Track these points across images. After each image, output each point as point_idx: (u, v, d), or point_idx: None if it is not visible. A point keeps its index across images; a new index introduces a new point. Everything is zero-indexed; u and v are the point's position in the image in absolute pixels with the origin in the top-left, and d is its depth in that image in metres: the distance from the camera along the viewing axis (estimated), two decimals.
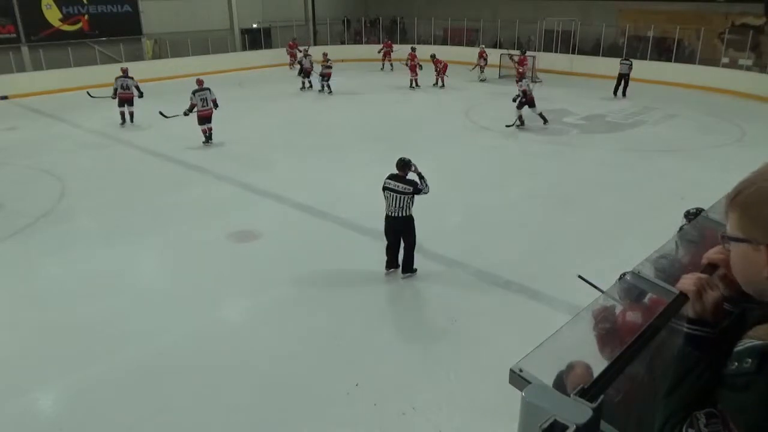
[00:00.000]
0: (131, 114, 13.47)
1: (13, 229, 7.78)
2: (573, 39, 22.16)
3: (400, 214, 6.10)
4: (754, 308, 1.01)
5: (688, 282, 1.12)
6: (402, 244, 6.30)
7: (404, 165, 6.10)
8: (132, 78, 13.28)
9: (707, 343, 1.07)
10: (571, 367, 1.59)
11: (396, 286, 6.26)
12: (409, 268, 6.34)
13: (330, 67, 17.28)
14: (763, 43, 18.32)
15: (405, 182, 6.06)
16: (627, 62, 16.96)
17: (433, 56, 18.71)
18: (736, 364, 0.96)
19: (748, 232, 0.99)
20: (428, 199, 8.82)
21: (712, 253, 1.15)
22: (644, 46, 20.10)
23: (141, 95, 13.40)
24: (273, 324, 5.61)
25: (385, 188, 6.14)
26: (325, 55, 17.81)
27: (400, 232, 6.24)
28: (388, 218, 6.22)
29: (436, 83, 18.79)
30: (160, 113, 12.24)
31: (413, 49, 19.00)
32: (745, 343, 0.97)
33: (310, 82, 18.40)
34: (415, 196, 6.09)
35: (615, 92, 17.23)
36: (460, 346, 5.15)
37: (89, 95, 13.35)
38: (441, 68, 18.45)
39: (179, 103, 12.46)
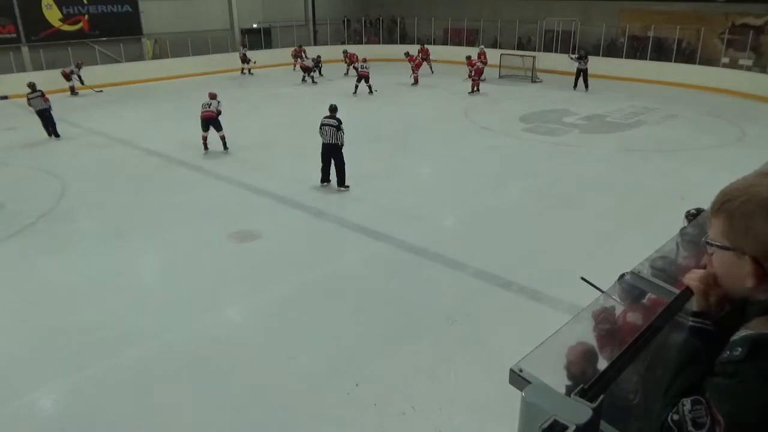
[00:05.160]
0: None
1: (13, 229, 7.78)
2: (573, 39, 22.16)
3: (332, 141, 8.84)
4: (755, 302, 1.03)
5: (694, 278, 1.13)
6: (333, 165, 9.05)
7: (335, 108, 9.11)
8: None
9: (710, 336, 1.09)
10: (575, 345, 1.59)
11: (396, 286, 6.26)
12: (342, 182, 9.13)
13: (366, 68, 17.58)
14: (763, 43, 18.31)
15: (335, 119, 8.94)
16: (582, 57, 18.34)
17: (406, 54, 19.76)
18: (728, 352, 0.99)
19: (734, 241, 1.00)
20: (428, 198, 8.88)
21: (689, 279, 1.16)
22: (644, 46, 20.10)
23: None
24: (273, 324, 5.61)
25: (322, 125, 8.93)
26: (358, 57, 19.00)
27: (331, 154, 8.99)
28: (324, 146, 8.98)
29: (415, 82, 19.26)
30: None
31: (407, 54, 20.11)
32: (740, 333, 1.00)
33: (311, 78, 20.03)
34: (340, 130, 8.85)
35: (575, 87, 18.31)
36: (460, 346, 5.15)
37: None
38: (414, 66, 19.31)
39: (179, 102, 12.51)
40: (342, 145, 8.93)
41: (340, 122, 8.92)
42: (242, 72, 21.81)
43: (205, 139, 11.35)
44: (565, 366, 1.48)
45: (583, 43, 21.86)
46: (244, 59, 21.66)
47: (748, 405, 0.91)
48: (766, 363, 0.93)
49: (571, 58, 18.57)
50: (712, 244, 1.05)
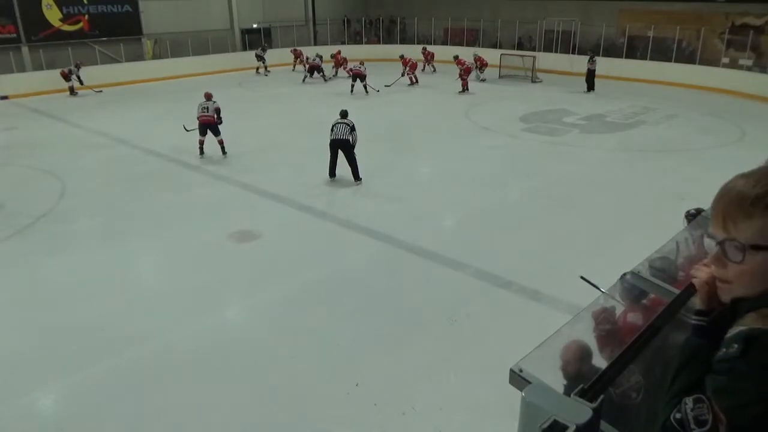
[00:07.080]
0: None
1: (13, 229, 7.78)
2: (573, 39, 22.16)
3: (343, 137, 9.23)
4: (746, 299, 1.02)
5: (702, 277, 1.12)
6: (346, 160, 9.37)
7: (347, 113, 9.66)
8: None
9: (713, 333, 1.09)
10: (569, 343, 1.59)
11: (396, 286, 6.26)
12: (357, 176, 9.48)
13: (360, 68, 17.66)
14: (763, 43, 18.31)
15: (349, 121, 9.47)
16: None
17: (401, 57, 19.76)
18: (724, 350, 0.99)
19: None
20: (428, 198, 8.88)
21: (695, 279, 1.13)
22: (644, 46, 20.09)
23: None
24: (273, 324, 5.61)
25: (335, 124, 9.35)
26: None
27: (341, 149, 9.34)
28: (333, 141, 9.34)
29: (412, 83, 19.29)
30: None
31: (402, 56, 20.12)
32: (734, 330, 1.00)
33: (322, 76, 20.26)
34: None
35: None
36: (460, 346, 5.15)
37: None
38: (409, 67, 19.27)
39: (177, 102, 12.47)
40: (354, 145, 9.36)
41: (353, 125, 9.37)
42: (257, 71, 22.03)
43: (201, 143, 11.04)
44: (561, 367, 1.48)
45: (583, 43, 21.86)
46: (261, 58, 21.98)
47: (747, 400, 0.92)
48: (760, 357, 0.93)
49: (591, 67, 18.06)
50: (749, 246, 0.96)
